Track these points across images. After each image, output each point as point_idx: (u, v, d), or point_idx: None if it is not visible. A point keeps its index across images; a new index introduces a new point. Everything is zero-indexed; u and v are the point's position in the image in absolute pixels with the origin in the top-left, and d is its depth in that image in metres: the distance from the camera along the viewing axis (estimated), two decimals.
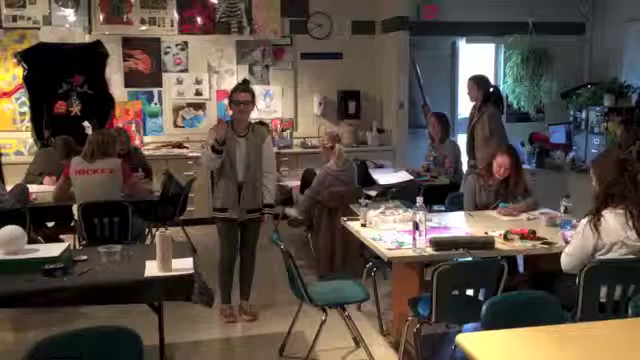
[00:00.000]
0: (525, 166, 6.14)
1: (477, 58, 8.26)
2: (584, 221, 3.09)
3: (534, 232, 3.59)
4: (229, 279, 4.34)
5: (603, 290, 3.05)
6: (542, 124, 7.78)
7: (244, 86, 4.23)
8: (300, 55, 7.79)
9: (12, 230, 3.25)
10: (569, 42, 7.95)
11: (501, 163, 4.29)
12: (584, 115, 7.36)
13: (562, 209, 4.07)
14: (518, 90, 7.37)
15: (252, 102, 4.18)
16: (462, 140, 6.35)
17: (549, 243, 3.48)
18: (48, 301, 3.10)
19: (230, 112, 4.30)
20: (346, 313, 3.60)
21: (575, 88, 7.73)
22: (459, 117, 8.02)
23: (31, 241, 3.54)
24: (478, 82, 5.72)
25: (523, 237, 3.54)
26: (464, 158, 6.04)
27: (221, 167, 4.17)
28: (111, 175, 4.68)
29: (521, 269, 4.27)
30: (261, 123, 6.29)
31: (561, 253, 3.20)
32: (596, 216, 3.03)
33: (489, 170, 4.39)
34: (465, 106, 6.47)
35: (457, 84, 8.12)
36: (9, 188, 4.79)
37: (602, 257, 3.04)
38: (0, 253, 3.19)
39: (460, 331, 3.61)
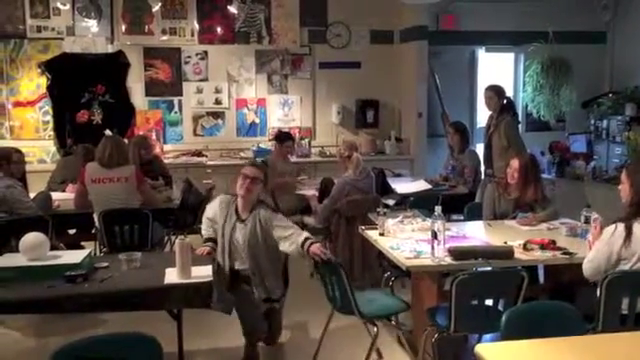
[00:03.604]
0: (545, 175, 6.10)
1: (496, 67, 8.24)
2: (610, 229, 3.04)
3: (554, 242, 3.55)
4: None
5: (625, 302, 3.00)
6: (562, 133, 7.72)
7: (256, 161, 3.94)
8: (319, 64, 7.84)
9: (35, 237, 3.30)
10: (590, 51, 7.89)
11: (511, 166, 4.30)
12: (605, 124, 7.29)
13: (583, 219, 4.02)
14: (538, 99, 7.32)
15: (261, 181, 3.68)
16: (481, 149, 6.32)
17: (569, 253, 3.44)
18: (69, 307, 3.14)
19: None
20: (393, 322, 3.62)
21: (596, 97, 7.67)
22: (478, 126, 7.98)
23: (53, 248, 3.59)
24: (498, 92, 5.70)
25: (543, 247, 3.50)
26: (483, 167, 6.01)
27: (220, 256, 3.69)
28: (126, 183, 4.72)
29: (541, 279, 4.22)
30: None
31: (582, 263, 3.16)
32: (628, 224, 2.99)
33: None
34: (485, 115, 6.45)
35: (476, 93, 8.10)
36: (32, 196, 4.87)
37: (625, 267, 3.01)
38: (23, 259, 3.25)
39: (479, 341, 3.59)
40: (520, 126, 6.25)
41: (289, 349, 3.92)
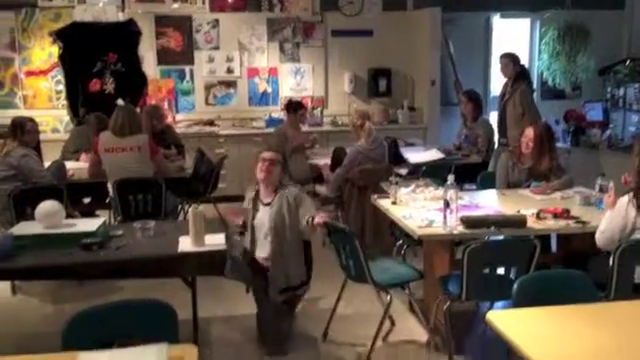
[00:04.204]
0: (560, 144, 6.04)
1: (511, 34, 8.10)
2: (624, 199, 3.02)
3: (568, 211, 3.54)
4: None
5: (638, 270, 3.00)
6: (578, 101, 7.61)
7: (272, 146, 3.97)
8: (331, 32, 7.75)
9: (51, 205, 3.35)
10: (607, 17, 7.71)
11: (526, 135, 4.27)
12: (622, 92, 7.18)
13: (597, 188, 3.99)
14: (554, 66, 7.22)
15: (280, 163, 3.68)
16: (495, 118, 6.27)
17: (583, 222, 3.43)
18: (85, 274, 3.21)
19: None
20: (406, 291, 3.63)
21: (613, 64, 7.53)
22: (492, 95, 7.90)
23: (68, 216, 3.63)
24: (514, 59, 5.63)
25: (556, 216, 3.49)
26: (496, 136, 5.97)
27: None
28: (139, 153, 4.75)
29: (554, 248, 4.22)
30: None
31: (595, 232, 3.15)
32: (639, 194, 2.97)
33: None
34: (499, 83, 6.37)
35: (490, 61, 7.99)
36: (46, 165, 4.91)
37: (639, 236, 2.99)
38: (39, 227, 3.29)
39: (491, 309, 3.60)
40: (535, 94, 6.18)
41: (303, 317, 3.95)
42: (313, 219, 3.45)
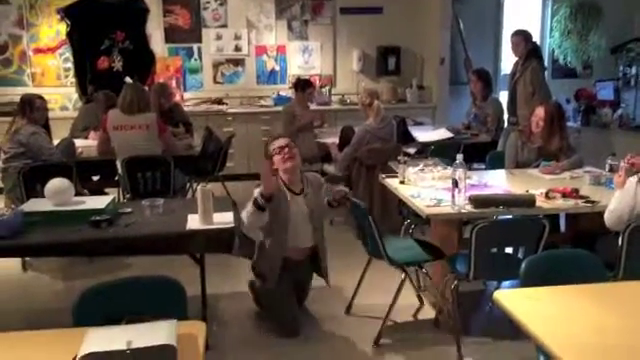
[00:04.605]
0: (570, 124, 5.99)
1: (522, 11, 7.99)
2: (634, 179, 3.00)
3: (577, 190, 3.52)
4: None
5: None
6: (589, 80, 7.53)
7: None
8: (339, 10, 7.67)
9: (60, 182, 3.37)
10: None
11: (536, 114, 4.23)
12: (634, 71, 7.09)
13: (607, 167, 3.97)
14: (565, 45, 7.13)
15: (295, 145, 3.51)
16: (505, 97, 6.21)
17: (592, 202, 3.41)
18: (95, 251, 3.23)
19: (275, 168, 3.45)
20: (424, 270, 3.62)
21: (625, 43, 7.43)
22: (502, 73, 7.83)
23: (77, 194, 3.65)
24: (526, 37, 5.56)
25: (565, 195, 3.47)
26: (506, 116, 5.92)
27: (273, 234, 3.47)
28: (148, 131, 4.76)
29: (563, 228, 4.20)
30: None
31: (604, 212, 3.13)
32: None
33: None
34: (509, 61, 6.31)
35: (501, 39, 7.91)
36: (55, 142, 4.92)
37: None
38: (49, 204, 3.31)
39: (498, 288, 3.61)
40: (546, 73, 6.11)
41: (323, 292, 3.93)
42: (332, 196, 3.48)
